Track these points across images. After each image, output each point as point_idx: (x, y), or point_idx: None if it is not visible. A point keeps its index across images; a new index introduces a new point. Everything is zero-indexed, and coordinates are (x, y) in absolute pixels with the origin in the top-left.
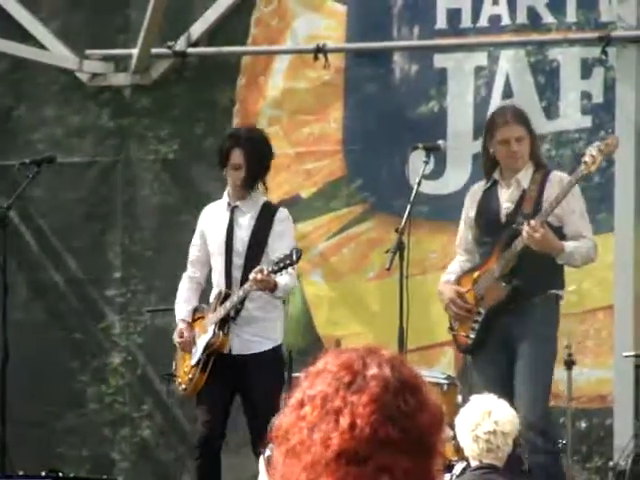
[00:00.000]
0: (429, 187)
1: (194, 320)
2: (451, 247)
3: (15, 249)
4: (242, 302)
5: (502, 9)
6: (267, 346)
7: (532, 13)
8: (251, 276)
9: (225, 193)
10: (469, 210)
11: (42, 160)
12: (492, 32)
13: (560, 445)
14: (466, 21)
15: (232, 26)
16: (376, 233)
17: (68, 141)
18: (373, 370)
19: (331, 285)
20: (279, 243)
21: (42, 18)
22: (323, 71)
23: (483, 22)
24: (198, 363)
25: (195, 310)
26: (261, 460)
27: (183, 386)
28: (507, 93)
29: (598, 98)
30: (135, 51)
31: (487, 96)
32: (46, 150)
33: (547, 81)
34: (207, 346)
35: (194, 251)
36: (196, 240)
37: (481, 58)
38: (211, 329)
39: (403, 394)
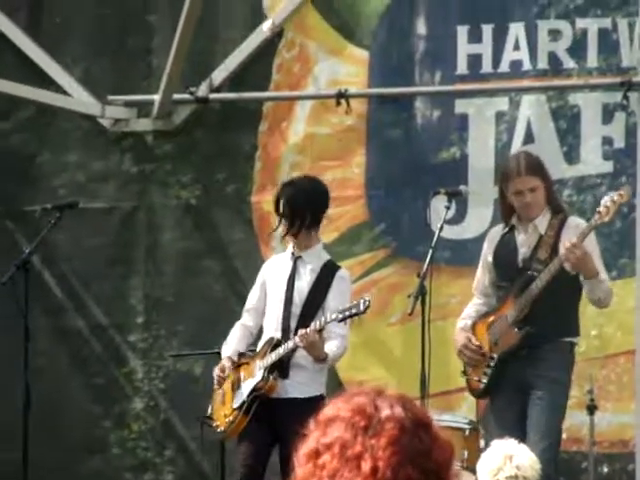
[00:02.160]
0: (450, 232)
1: (239, 365)
2: (472, 291)
3: (37, 295)
4: (293, 351)
5: (523, 54)
6: (311, 393)
7: (553, 58)
8: (299, 332)
9: (290, 244)
10: (487, 254)
11: (64, 205)
12: (513, 77)
13: None
14: (487, 66)
15: (254, 72)
16: (398, 278)
17: (90, 186)
18: (386, 412)
19: (353, 330)
20: (339, 300)
21: (65, 64)
22: (345, 116)
23: (504, 67)
24: (242, 406)
25: (241, 355)
26: None
27: (222, 428)
28: (528, 138)
29: (619, 143)
30: (157, 97)
31: (508, 141)
32: (68, 196)
33: (568, 126)
34: (254, 389)
35: (252, 300)
36: (255, 290)
37: (502, 103)
38: (260, 373)
39: (418, 433)
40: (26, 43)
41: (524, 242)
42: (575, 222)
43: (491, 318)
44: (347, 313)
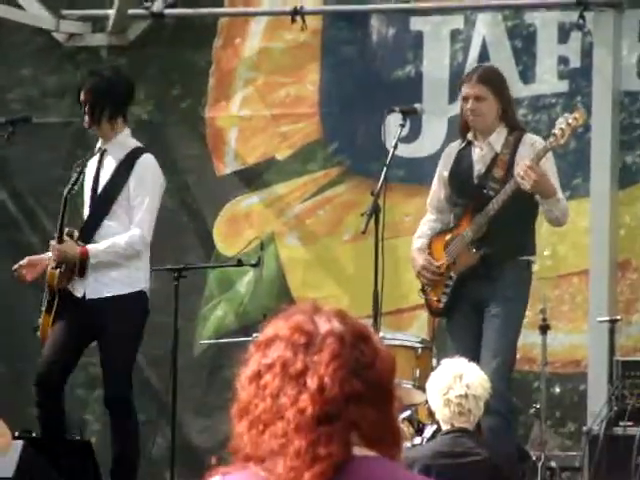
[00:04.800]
0: (405, 150)
1: None
2: (425, 210)
3: None
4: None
5: None
6: (116, 291)
7: None
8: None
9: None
10: (443, 169)
11: (17, 120)
12: None
13: (534, 410)
14: None
15: None
16: (352, 196)
17: (44, 101)
18: (325, 327)
19: (306, 247)
20: (139, 188)
21: None
22: (300, 33)
23: None
24: (42, 303)
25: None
26: None
27: (36, 325)
28: (483, 57)
29: (575, 63)
30: (112, 12)
31: (463, 60)
32: (22, 110)
33: (524, 45)
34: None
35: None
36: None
37: (458, 22)
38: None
39: (359, 345)
40: None
41: (480, 159)
42: (531, 140)
43: (448, 236)
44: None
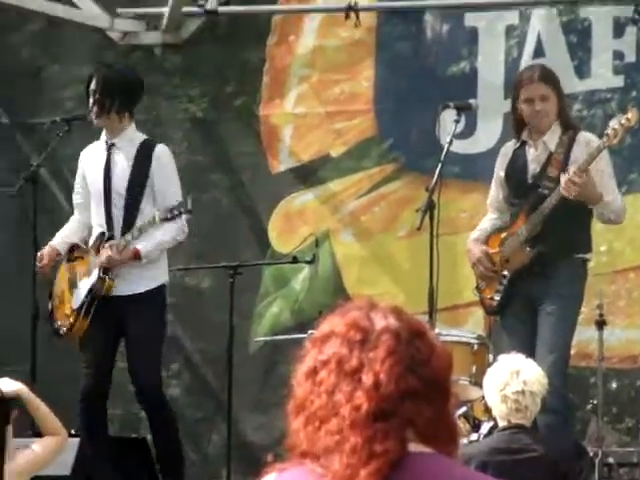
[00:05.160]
0: (460, 146)
1: (75, 258)
2: (481, 207)
3: (46, 207)
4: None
5: None
6: (143, 288)
7: None
8: (105, 252)
9: (103, 132)
10: (499, 169)
11: (73, 118)
12: None
13: (591, 406)
14: None
15: None
16: (406, 192)
17: None
18: (381, 324)
19: (361, 244)
20: (166, 181)
21: None
22: (354, 30)
23: None
24: (81, 307)
25: (75, 248)
26: None
27: (64, 330)
28: (538, 53)
29: (630, 57)
30: (166, 10)
31: (518, 55)
32: (77, 109)
33: (579, 40)
34: (91, 289)
35: (77, 194)
36: (77, 184)
37: (512, 17)
38: (95, 272)
39: (414, 342)
40: None
41: (534, 158)
42: (586, 138)
43: (503, 234)
44: (175, 212)
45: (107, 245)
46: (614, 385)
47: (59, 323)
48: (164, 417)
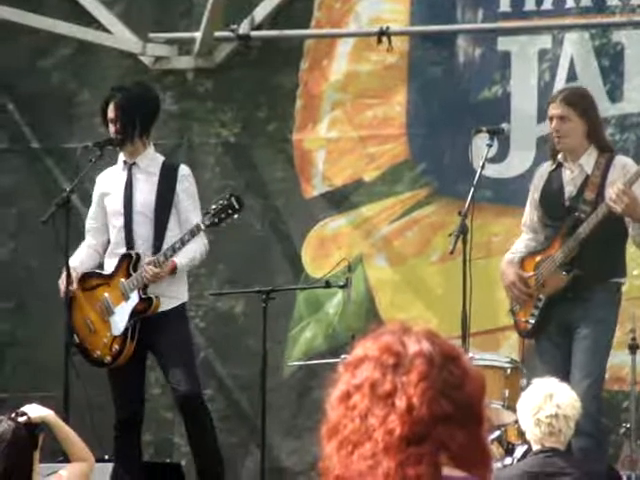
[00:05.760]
0: (492, 171)
1: (96, 286)
2: (514, 230)
3: (77, 233)
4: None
5: None
6: (167, 306)
7: None
8: (144, 269)
9: (120, 155)
10: (535, 191)
11: (105, 143)
12: (556, 15)
13: (624, 429)
14: (530, 4)
15: (295, 9)
16: (439, 217)
17: None
18: (414, 348)
19: (394, 269)
20: (190, 200)
21: (106, 2)
22: (387, 54)
23: (547, 5)
24: (126, 332)
25: (89, 276)
26: None
27: (108, 358)
28: (571, 76)
29: None
30: (198, 34)
31: (551, 79)
32: (108, 134)
33: (611, 64)
34: (134, 312)
35: (91, 220)
36: (93, 208)
37: (545, 41)
38: (135, 294)
39: (448, 366)
40: None
41: (570, 181)
42: (622, 162)
43: (538, 257)
44: (220, 216)
45: (146, 262)
46: None
47: (98, 353)
48: (206, 424)
